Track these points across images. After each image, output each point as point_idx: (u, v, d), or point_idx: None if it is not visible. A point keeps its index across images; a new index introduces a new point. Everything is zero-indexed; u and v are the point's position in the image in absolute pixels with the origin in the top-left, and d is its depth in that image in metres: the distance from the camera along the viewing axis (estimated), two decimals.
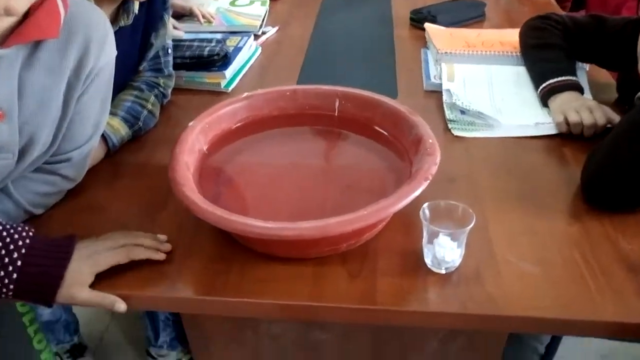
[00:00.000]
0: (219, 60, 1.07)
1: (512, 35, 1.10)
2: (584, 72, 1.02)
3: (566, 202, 0.74)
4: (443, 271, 0.62)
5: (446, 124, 0.91)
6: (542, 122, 0.89)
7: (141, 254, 0.63)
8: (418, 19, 1.31)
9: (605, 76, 1.06)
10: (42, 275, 0.57)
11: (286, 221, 0.61)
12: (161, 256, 0.65)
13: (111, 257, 0.61)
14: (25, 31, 0.58)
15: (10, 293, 0.57)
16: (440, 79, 1.03)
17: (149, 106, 0.91)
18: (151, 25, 0.91)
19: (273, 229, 0.59)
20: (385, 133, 0.80)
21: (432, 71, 1.07)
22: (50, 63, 0.63)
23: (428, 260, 0.63)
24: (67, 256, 0.59)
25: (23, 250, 0.57)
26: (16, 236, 0.57)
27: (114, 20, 0.83)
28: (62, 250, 0.59)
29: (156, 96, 0.94)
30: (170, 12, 0.98)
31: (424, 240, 0.63)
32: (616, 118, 0.84)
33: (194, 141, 0.75)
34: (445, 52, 1.08)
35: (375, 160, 0.80)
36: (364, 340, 0.80)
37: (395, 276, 0.63)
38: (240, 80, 1.10)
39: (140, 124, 0.89)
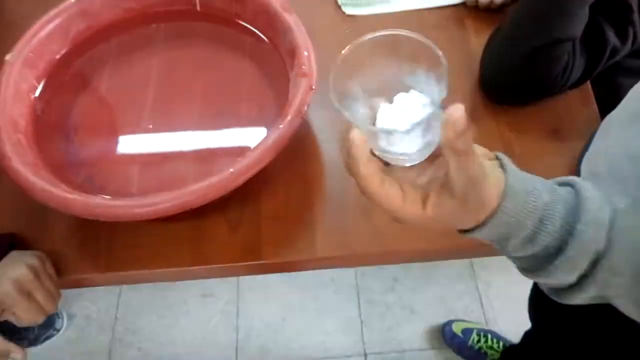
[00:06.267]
0: None
1: None
2: None
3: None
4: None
5: (336, 1, 0.76)
6: None
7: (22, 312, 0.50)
8: None
9: None
10: None
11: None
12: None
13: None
14: None
15: None
16: None
17: None
18: None
19: (120, 207, 0.51)
20: (260, 34, 0.67)
21: None
22: None
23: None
24: None
25: None
26: None
27: None
28: None
29: None
30: None
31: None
32: None
33: (18, 81, 0.60)
34: None
35: (250, 73, 0.66)
36: None
37: (280, 219, 0.58)
38: None
39: None
